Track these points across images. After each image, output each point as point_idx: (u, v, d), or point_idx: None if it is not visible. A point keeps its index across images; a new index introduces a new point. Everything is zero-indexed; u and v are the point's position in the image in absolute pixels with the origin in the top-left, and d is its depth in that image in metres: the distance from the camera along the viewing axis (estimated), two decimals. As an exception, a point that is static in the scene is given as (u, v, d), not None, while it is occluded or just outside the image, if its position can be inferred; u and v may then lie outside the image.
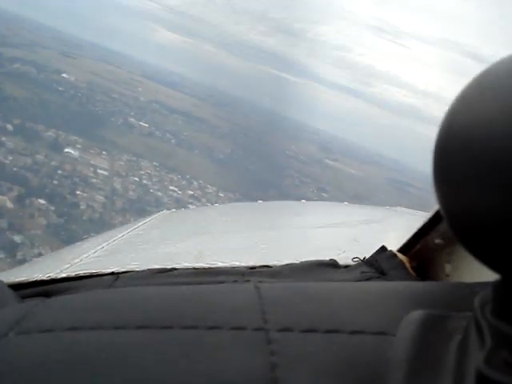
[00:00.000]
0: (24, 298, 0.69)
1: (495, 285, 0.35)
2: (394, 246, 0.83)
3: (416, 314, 0.37)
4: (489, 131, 0.31)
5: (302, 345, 0.37)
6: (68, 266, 1.02)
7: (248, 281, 0.77)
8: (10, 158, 31.07)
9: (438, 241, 0.77)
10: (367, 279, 0.77)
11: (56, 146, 35.65)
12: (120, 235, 1.40)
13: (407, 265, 0.79)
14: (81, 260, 1.08)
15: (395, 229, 1.25)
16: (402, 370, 0.33)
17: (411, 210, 1.90)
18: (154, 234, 1.57)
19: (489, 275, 0.35)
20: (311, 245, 1.23)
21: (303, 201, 2.38)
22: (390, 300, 0.44)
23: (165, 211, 1.98)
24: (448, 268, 0.77)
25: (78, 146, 37.24)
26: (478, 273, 0.52)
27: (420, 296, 0.45)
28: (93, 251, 1.18)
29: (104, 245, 1.25)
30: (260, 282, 0.73)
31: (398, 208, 1.99)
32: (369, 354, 0.36)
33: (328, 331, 0.38)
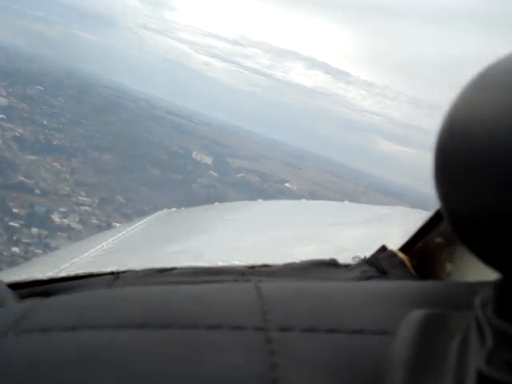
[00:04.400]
0: (23, 297, 0.69)
1: (496, 284, 0.34)
2: (394, 245, 0.83)
3: (417, 314, 0.37)
4: (490, 129, 0.30)
5: (302, 344, 0.36)
6: (67, 265, 1.02)
7: (248, 280, 0.77)
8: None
9: (438, 240, 0.77)
10: (368, 278, 0.76)
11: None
12: (119, 234, 1.40)
13: (408, 264, 0.79)
14: (80, 259, 1.08)
15: (396, 228, 1.25)
16: (403, 370, 0.32)
17: (412, 209, 1.90)
18: (153, 234, 1.57)
19: (490, 274, 0.35)
20: (311, 244, 1.23)
21: (303, 200, 2.38)
22: (391, 299, 0.44)
23: (164, 210, 1.98)
24: (449, 267, 0.77)
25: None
26: (479, 272, 0.52)
27: (421, 295, 0.45)
28: (92, 250, 1.18)
29: (104, 244, 1.25)
30: (260, 281, 0.73)
31: (399, 207, 1.99)
32: (369, 354, 0.36)
33: (328, 331, 0.38)
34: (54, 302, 0.46)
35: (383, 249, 0.83)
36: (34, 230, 26.91)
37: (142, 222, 1.67)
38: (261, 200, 2.24)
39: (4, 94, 44.50)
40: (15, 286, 0.78)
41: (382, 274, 0.77)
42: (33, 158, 36.61)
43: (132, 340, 0.37)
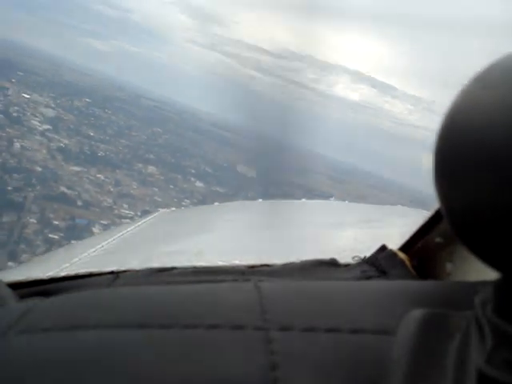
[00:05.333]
0: (23, 297, 0.69)
1: (496, 283, 0.34)
2: (394, 244, 0.83)
3: (417, 313, 0.37)
4: (490, 128, 0.30)
5: (302, 344, 0.36)
6: (67, 265, 1.02)
7: (248, 280, 0.77)
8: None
9: (438, 239, 0.77)
10: (368, 278, 0.76)
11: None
12: (119, 234, 1.40)
13: (408, 264, 0.79)
14: (80, 259, 1.08)
15: (396, 227, 1.25)
16: (403, 369, 0.32)
17: (411, 209, 1.90)
18: (153, 233, 1.57)
19: (490, 274, 0.35)
20: (312, 243, 1.23)
21: (303, 200, 2.38)
22: (391, 299, 0.44)
23: (164, 210, 1.98)
24: (449, 267, 0.77)
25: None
26: (479, 271, 0.52)
27: (421, 295, 0.45)
28: (92, 250, 1.18)
29: (103, 244, 1.25)
30: (260, 280, 0.73)
31: (399, 207, 2.00)
32: (369, 353, 0.36)
33: (328, 330, 0.38)
34: (55, 302, 0.45)
35: (383, 248, 0.83)
36: (74, 243, 26.57)
37: (142, 221, 1.67)
38: (260, 200, 2.24)
39: (52, 105, 44.28)
40: (15, 286, 0.78)
41: (382, 273, 0.77)
42: (76, 169, 36.04)
43: (132, 340, 0.37)
